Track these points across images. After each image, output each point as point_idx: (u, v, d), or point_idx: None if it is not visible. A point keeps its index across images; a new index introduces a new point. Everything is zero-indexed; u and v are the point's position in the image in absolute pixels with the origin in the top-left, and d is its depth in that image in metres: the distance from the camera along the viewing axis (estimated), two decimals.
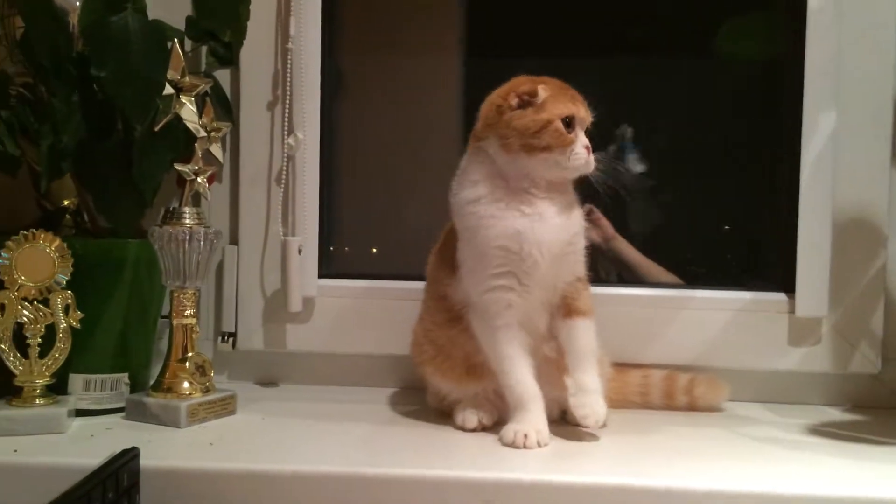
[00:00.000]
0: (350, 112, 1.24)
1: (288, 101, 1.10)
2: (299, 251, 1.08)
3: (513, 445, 0.82)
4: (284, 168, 1.10)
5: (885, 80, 1.06)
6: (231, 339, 1.11)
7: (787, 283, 1.08)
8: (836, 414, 1.05)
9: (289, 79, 1.09)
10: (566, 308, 0.87)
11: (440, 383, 0.94)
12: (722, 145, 1.21)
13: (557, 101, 0.85)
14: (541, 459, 0.81)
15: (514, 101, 0.85)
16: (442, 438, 0.87)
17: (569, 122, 0.84)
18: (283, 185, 1.10)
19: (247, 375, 1.13)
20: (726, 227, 1.22)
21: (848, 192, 1.06)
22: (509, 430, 0.83)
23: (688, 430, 0.94)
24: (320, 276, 1.12)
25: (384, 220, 1.25)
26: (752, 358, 1.06)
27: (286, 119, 1.10)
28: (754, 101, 1.21)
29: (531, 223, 0.84)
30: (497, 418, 0.90)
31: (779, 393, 1.08)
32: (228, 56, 1.07)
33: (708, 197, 1.22)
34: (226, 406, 0.95)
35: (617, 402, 0.99)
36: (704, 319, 1.07)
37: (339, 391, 1.09)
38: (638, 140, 1.20)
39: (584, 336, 0.87)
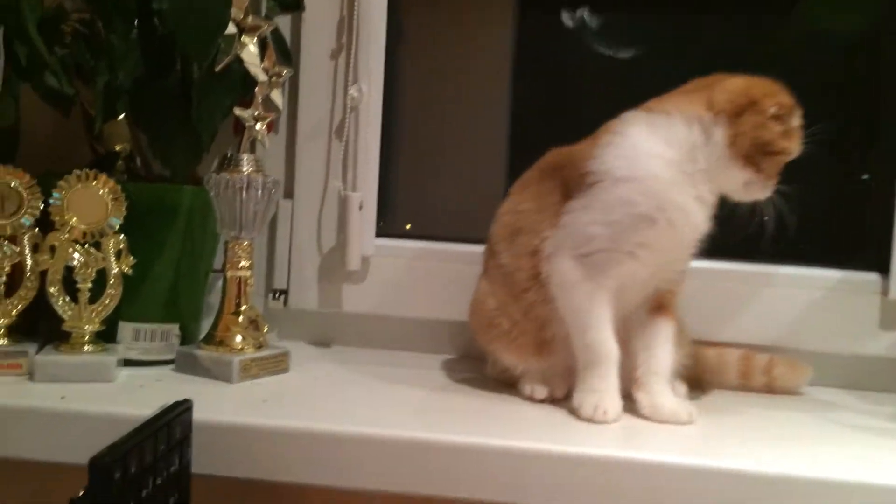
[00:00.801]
0: (410, 67, 1.18)
1: (353, 51, 1.04)
2: (360, 207, 1.03)
3: (592, 420, 0.77)
4: (347, 120, 1.05)
5: None
6: (283, 297, 1.07)
7: (881, 263, 0.99)
8: None
9: (355, 27, 1.04)
10: (658, 302, 0.83)
11: (511, 359, 0.87)
12: (814, 119, 1.13)
13: (798, 133, 0.80)
14: (613, 434, 0.76)
15: (772, 110, 0.78)
16: (506, 408, 0.82)
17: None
18: (344, 139, 1.05)
19: (298, 335, 1.09)
20: (818, 203, 1.13)
21: None
22: (587, 404, 0.78)
23: (768, 412, 0.87)
24: (377, 234, 1.07)
25: (443, 180, 1.19)
26: (838, 341, 0.98)
27: (350, 69, 1.04)
28: (849, 73, 1.12)
29: (697, 207, 0.79)
30: (567, 392, 0.84)
31: (866, 379, 1.00)
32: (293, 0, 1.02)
33: (799, 173, 1.14)
34: (279, 363, 0.90)
35: (690, 381, 0.93)
36: (790, 298, 1.00)
37: (394, 355, 1.05)
38: None
39: (669, 339, 0.82)
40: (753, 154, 0.78)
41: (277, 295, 1.07)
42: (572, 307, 0.80)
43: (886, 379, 1.00)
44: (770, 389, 0.95)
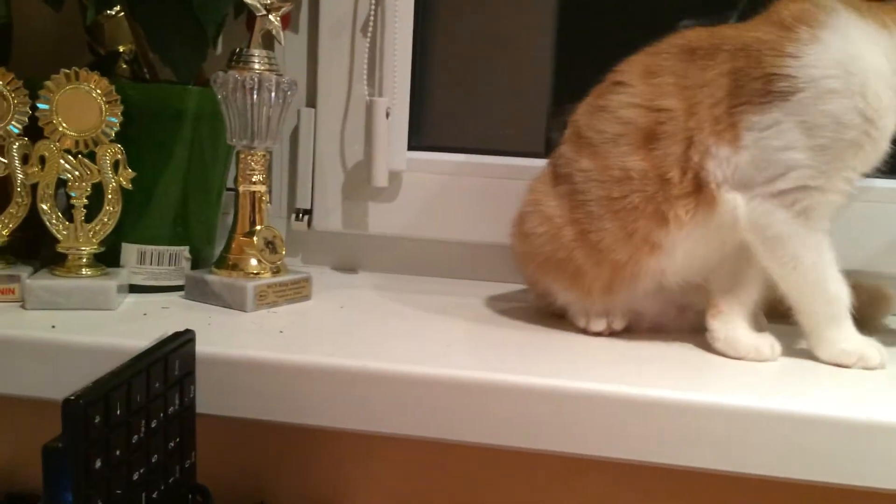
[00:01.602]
0: None
1: None
2: (387, 115, 0.91)
3: (865, 365, 0.66)
4: (372, 15, 0.92)
5: None
6: (306, 217, 0.97)
7: None
8: None
9: None
10: None
11: (573, 296, 0.74)
12: None
13: None
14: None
15: None
16: (560, 342, 0.72)
17: None
18: (369, 36, 0.92)
19: (323, 259, 0.99)
20: None
21: None
22: (852, 352, 0.66)
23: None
24: (410, 147, 0.95)
25: (485, 86, 1.06)
26: None
27: None
28: None
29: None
30: (625, 324, 0.73)
31: None
32: None
33: None
34: (299, 290, 0.81)
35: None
36: (882, 215, 0.86)
37: (428, 281, 0.94)
38: None
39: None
40: None
41: (301, 215, 0.97)
42: (798, 263, 0.66)
43: None
44: None
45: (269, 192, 0.84)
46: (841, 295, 0.67)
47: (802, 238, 0.66)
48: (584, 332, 0.73)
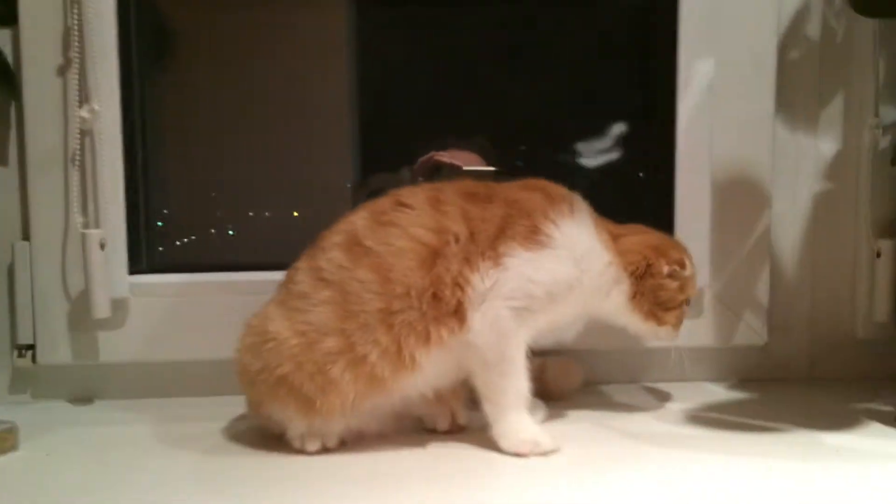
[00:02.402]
0: (173, 76, 1.06)
1: (81, 66, 0.91)
2: (101, 246, 0.91)
3: (536, 453, 0.75)
4: (79, 146, 0.92)
5: (767, 24, 0.95)
6: (30, 353, 0.94)
7: None
8: (720, 392, 0.96)
9: (80, 39, 0.90)
10: None
11: (308, 417, 0.75)
12: (589, 98, 1.09)
13: (693, 279, 0.83)
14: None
15: (665, 270, 0.81)
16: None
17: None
18: (77, 166, 0.92)
19: (56, 392, 0.96)
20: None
21: (728, 149, 0.95)
22: (525, 441, 0.75)
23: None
24: (133, 272, 0.95)
25: (218, 204, 1.08)
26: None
27: (80, 87, 0.91)
28: (624, 48, 1.08)
29: None
30: (339, 442, 0.77)
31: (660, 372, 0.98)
32: (5, 11, 0.88)
33: (576, 156, 1.10)
34: (4, 442, 0.78)
35: None
36: None
37: (165, 404, 0.94)
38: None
39: None
40: (657, 311, 0.81)
41: (24, 351, 0.94)
42: (505, 354, 0.76)
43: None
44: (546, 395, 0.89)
45: None
46: (525, 390, 0.76)
47: (517, 334, 0.76)
48: (301, 451, 0.76)
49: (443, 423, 0.81)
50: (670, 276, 0.81)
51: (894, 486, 0.68)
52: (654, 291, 0.81)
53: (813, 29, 0.96)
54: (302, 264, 0.78)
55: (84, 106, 0.91)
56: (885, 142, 0.94)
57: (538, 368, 0.88)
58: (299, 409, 0.74)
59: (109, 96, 0.92)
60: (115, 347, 0.95)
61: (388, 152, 1.06)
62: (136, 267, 0.96)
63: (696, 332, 0.97)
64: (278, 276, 0.81)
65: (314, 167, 1.10)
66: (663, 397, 0.94)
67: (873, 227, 0.96)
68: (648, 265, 0.81)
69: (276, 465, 0.74)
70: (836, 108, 0.97)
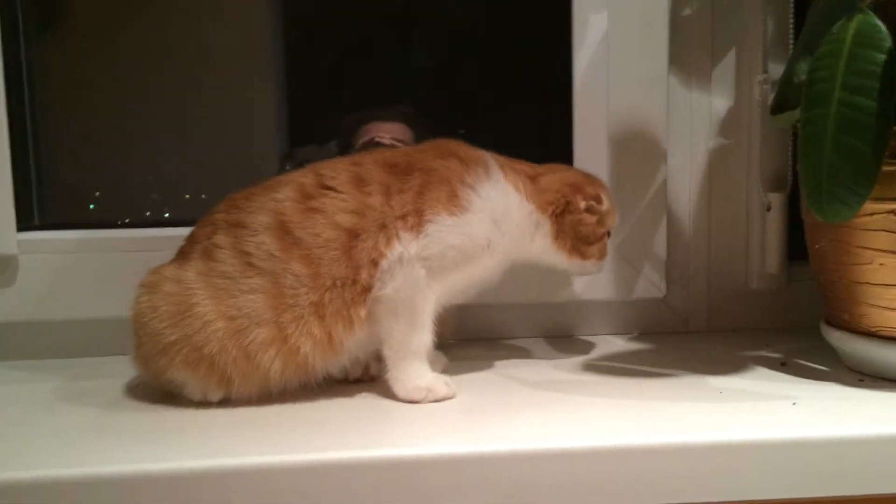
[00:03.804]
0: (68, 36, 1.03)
1: None
2: None
3: (428, 399, 0.76)
4: None
5: None
6: None
7: None
8: (620, 343, 0.99)
9: None
10: None
11: (220, 384, 0.75)
12: (486, 60, 1.10)
13: (611, 211, 0.86)
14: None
15: (582, 205, 0.83)
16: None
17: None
18: None
19: None
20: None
21: (624, 104, 0.97)
22: (420, 388, 0.76)
23: None
24: (22, 228, 0.92)
25: (112, 159, 1.06)
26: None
27: None
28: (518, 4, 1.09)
29: None
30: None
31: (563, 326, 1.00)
32: None
33: (475, 116, 1.11)
34: None
35: None
36: None
37: (63, 364, 0.92)
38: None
39: None
40: (580, 246, 0.84)
41: None
42: (416, 307, 0.77)
43: (581, 322, 1.00)
44: None
45: None
46: (427, 343, 0.78)
47: (429, 288, 0.77)
48: (204, 402, 0.75)
49: (354, 373, 0.82)
50: (588, 210, 0.83)
51: (769, 420, 0.71)
52: (575, 227, 0.83)
53: None
54: (222, 239, 0.76)
55: None
56: (773, 98, 0.97)
57: None
58: (217, 383, 0.75)
59: None
60: (5, 307, 0.92)
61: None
62: (27, 223, 0.94)
63: (597, 286, 0.98)
64: (178, 232, 0.81)
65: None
66: (564, 349, 0.96)
67: (763, 181, 0.98)
68: (567, 203, 0.83)
69: (178, 417, 0.74)
70: (728, 64, 0.99)
